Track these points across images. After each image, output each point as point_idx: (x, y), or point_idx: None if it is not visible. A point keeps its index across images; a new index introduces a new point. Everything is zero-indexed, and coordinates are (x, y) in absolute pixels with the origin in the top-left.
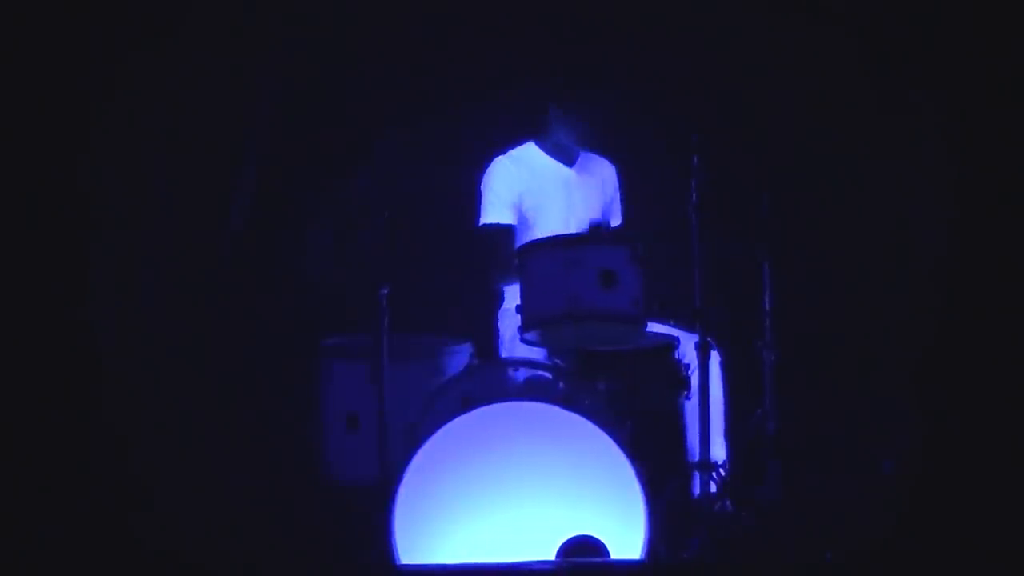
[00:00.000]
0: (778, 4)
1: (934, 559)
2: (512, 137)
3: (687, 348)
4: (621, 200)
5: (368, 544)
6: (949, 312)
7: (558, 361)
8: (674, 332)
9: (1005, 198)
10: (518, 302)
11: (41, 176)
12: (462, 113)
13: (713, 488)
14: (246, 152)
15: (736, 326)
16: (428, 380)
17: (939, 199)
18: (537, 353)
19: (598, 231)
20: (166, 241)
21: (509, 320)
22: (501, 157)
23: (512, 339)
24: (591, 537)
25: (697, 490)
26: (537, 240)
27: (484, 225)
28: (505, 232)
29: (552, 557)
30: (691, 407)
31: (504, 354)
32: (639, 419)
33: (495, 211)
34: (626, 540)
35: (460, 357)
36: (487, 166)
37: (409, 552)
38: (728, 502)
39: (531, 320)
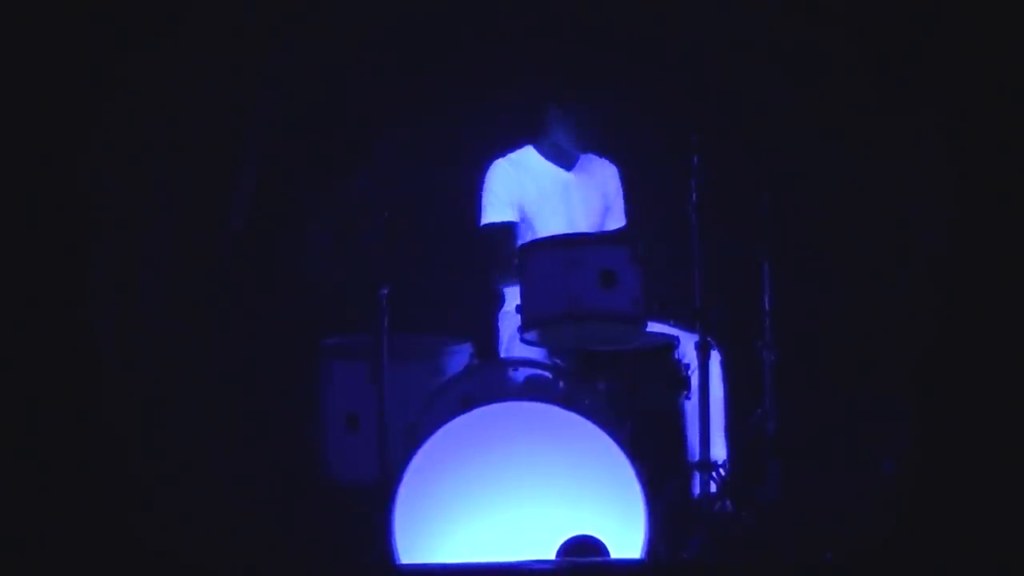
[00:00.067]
0: (778, 4)
1: (934, 559)
2: (512, 139)
3: (687, 348)
4: (623, 201)
5: (368, 544)
6: (949, 312)
7: (558, 361)
8: (674, 332)
9: (1005, 198)
10: (518, 302)
11: (41, 176)
12: (462, 113)
13: (713, 488)
14: (246, 152)
15: (736, 326)
16: (428, 380)
17: (939, 199)
18: (537, 353)
19: None
20: (166, 241)
21: (509, 321)
22: (500, 160)
23: (512, 339)
24: (591, 537)
25: (697, 490)
26: (537, 240)
27: (485, 225)
28: (506, 230)
29: (552, 557)
30: (691, 407)
31: (504, 354)
32: (639, 419)
33: (495, 211)
34: (626, 540)
35: (460, 357)
36: (487, 167)
37: (409, 552)
38: (728, 502)
39: (531, 320)
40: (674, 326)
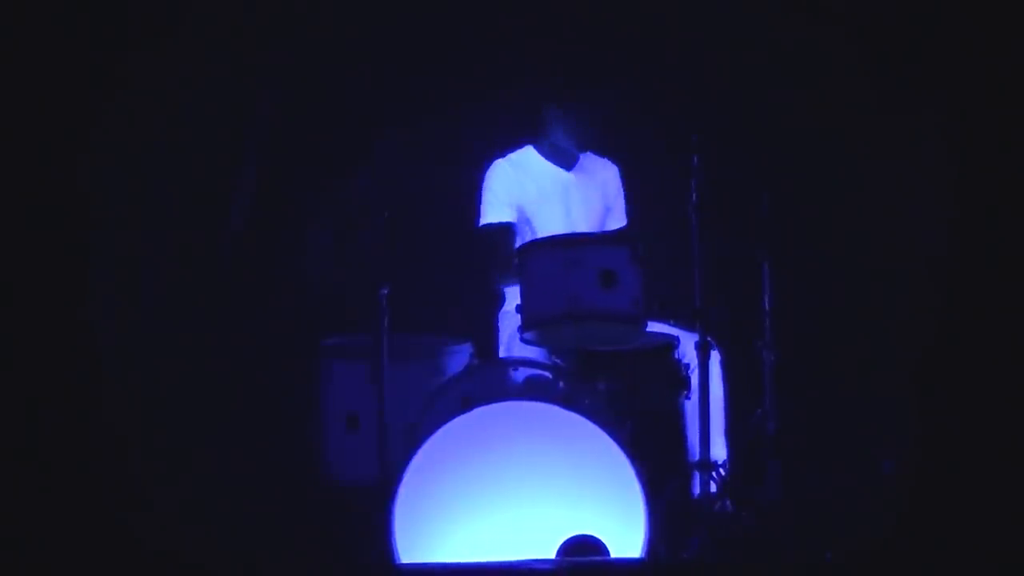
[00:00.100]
0: (778, 4)
1: (934, 559)
2: (512, 138)
3: (687, 348)
4: (625, 200)
5: (368, 544)
6: (949, 312)
7: (558, 361)
8: (674, 332)
9: (1005, 198)
10: (518, 302)
11: (41, 176)
12: (462, 113)
13: (713, 488)
14: (246, 152)
15: (736, 326)
16: (428, 380)
17: (939, 199)
18: (537, 353)
19: None
20: (166, 241)
21: (509, 321)
22: (500, 160)
23: (512, 339)
24: (591, 537)
25: (697, 490)
26: (537, 240)
27: (484, 225)
28: (505, 230)
29: (552, 557)
30: (691, 407)
31: (504, 354)
32: (639, 419)
33: (494, 213)
34: (626, 540)
35: (460, 357)
36: (487, 167)
37: (409, 552)
38: (728, 502)
39: (531, 320)
40: (674, 326)
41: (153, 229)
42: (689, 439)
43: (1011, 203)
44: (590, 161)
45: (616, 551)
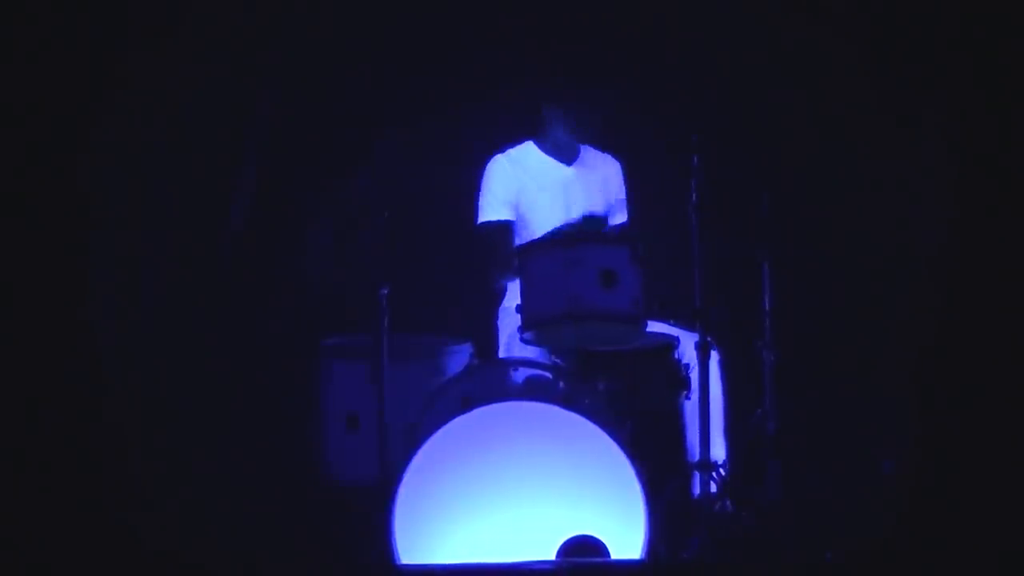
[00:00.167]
0: (778, 4)
1: (934, 559)
2: (511, 137)
3: (687, 348)
4: (627, 197)
5: (368, 544)
6: (949, 312)
7: (558, 361)
8: (674, 332)
9: (1005, 198)
10: (518, 301)
11: (41, 176)
12: (462, 113)
13: (713, 488)
14: (246, 152)
15: (736, 326)
16: (428, 380)
17: (939, 199)
18: (537, 353)
19: (593, 223)
20: (166, 241)
21: (509, 318)
22: (499, 156)
23: (512, 339)
24: (591, 537)
25: (697, 490)
26: (537, 240)
27: (483, 223)
28: (504, 228)
29: (552, 557)
30: (691, 407)
31: (504, 354)
32: (639, 419)
33: (493, 209)
34: (626, 540)
35: (460, 357)
36: (486, 166)
37: (409, 552)
38: (728, 502)
39: (531, 320)
40: (674, 326)
41: (153, 229)
42: (688, 439)
43: (1011, 203)
44: (591, 156)
45: (616, 551)
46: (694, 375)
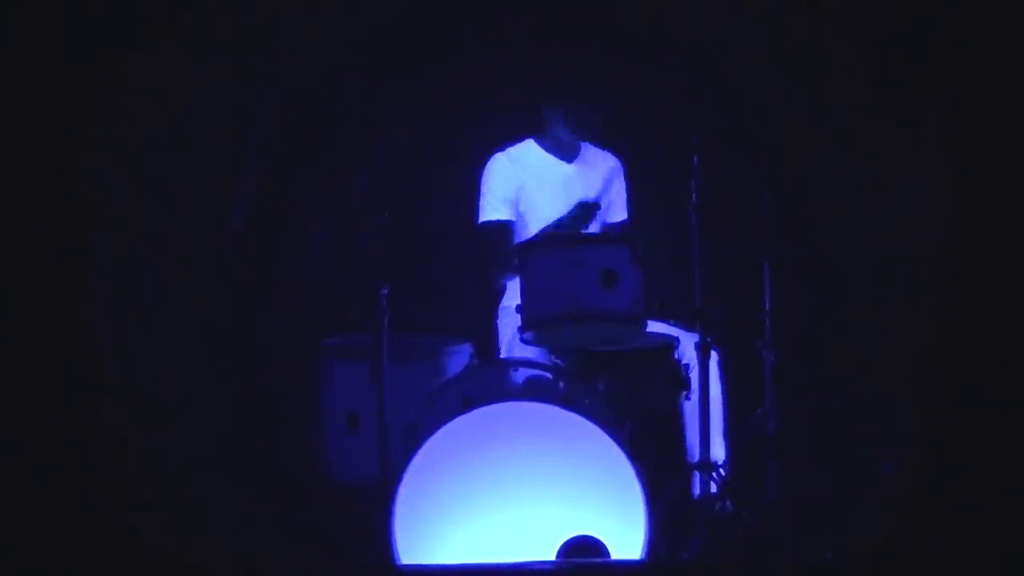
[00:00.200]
0: (778, 4)
1: (934, 559)
2: (511, 136)
3: (687, 348)
4: (627, 194)
5: (368, 544)
6: (949, 312)
7: (558, 361)
8: (674, 332)
9: (1005, 198)
10: (518, 301)
11: (41, 176)
12: (462, 113)
13: (713, 488)
14: (246, 152)
15: (736, 326)
16: (428, 380)
17: (939, 199)
18: (537, 353)
19: (587, 210)
20: (166, 241)
21: (508, 318)
22: (499, 155)
23: (512, 339)
24: (591, 537)
25: (697, 490)
26: (537, 240)
27: (482, 223)
28: (503, 228)
29: (552, 557)
30: (690, 407)
31: (504, 354)
32: (639, 419)
33: (493, 208)
34: (626, 540)
35: (460, 357)
36: (486, 164)
37: (409, 552)
38: (728, 502)
39: (531, 320)
40: (674, 326)
41: (153, 229)
42: (688, 439)
43: (1011, 203)
44: (591, 153)
45: (616, 551)
46: (694, 375)
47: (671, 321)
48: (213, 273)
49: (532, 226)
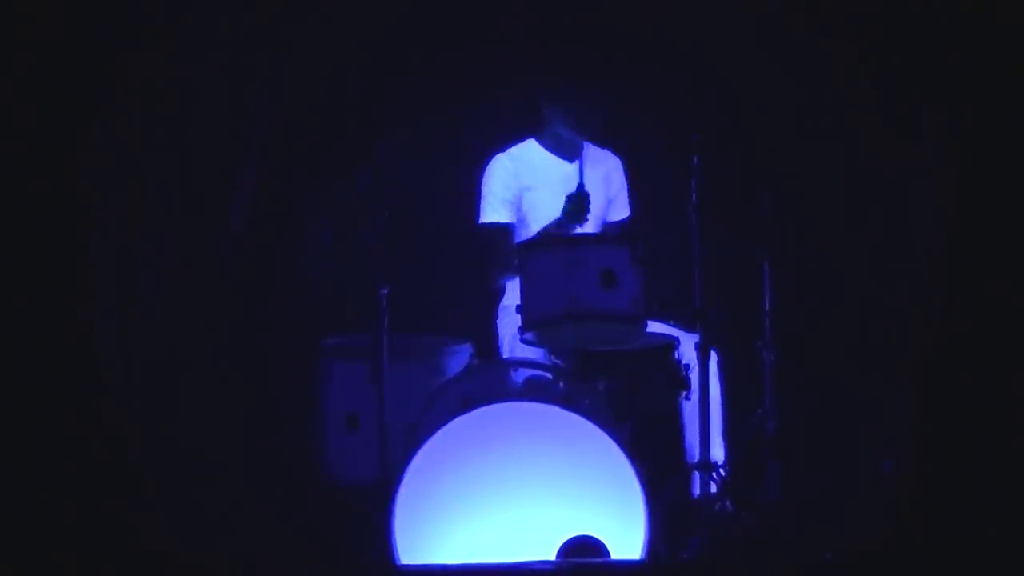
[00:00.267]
0: (778, 4)
1: (934, 559)
2: (512, 135)
3: (687, 348)
4: (628, 192)
5: (368, 544)
6: (949, 312)
7: (558, 361)
8: (674, 332)
9: (1006, 198)
10: (518, 301)
11: (41, 175)
12: (462, 113)
13: (713, 488)
14: (246, 152)
15: (736, 326)
16: (428, 380)
17: (940, 199)
18: (537, 353)
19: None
20: (166, 241)
21: (508, 318)
22: (500, 155)
23: (512, 339)
24: (591, 537)
25: (697, 490)
26: (537, 240)
27: (482, 224)
28: (503, 231)
29: (552, 557)
30: (690, 407)
31: (505, 354)
32: (639, 419)
33: (493, 209)
34: (626, 540)
35: (460, 357)
36: (487, 163)
37: (409, 552)
38: (728, 502)
39: (531, 320)
40: (674, 326)
41: (153, 229)
42: (688, 439)
43: (1012, 203)
44: (592, 152)
45: (616, 551)
46: (694, 375)
47: (671, 321)
48: (213, 273)
49: (534, 226)
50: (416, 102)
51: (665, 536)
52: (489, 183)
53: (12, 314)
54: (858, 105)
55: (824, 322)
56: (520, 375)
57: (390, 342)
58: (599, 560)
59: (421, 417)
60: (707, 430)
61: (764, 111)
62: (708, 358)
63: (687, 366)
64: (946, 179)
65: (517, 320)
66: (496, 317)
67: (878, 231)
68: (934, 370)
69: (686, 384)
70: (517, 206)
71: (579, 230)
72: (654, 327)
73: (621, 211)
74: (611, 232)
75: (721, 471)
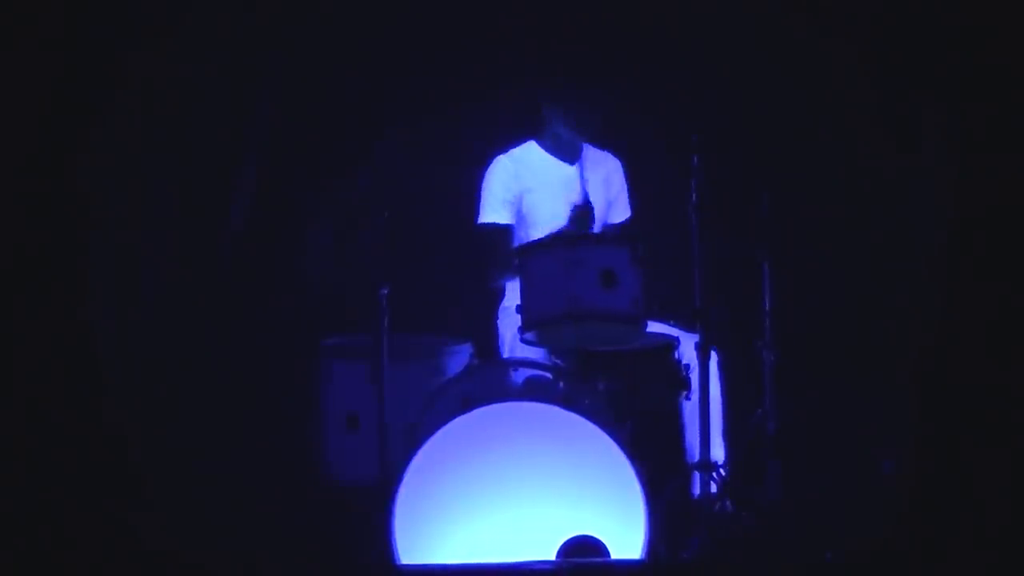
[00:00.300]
0: (778, 4)
1: (934, 559)
2: (513, 137)
3: (687, 348)
4: (629, 194)
5: (368, 544)
6: (949, 312)
7: (558, 361)
8: (674, 332)
9: (1006, 198)
10: (518, 301)
11: (41, 175)
12: (462, 113)
13: (713, 488)
14: (246, 152)
15: (736, 326)
16: (428, 380)
17: (939, 199)
18: (537, 353)
19: (583, 212)
20: (166, 241)
21: (509, 319)
22: (501, 156)
23: (512, 339)
24: (591, 537)
25: (697, 490)
26: (537, 240)
27: (482, 224)
28: (502, 232)
29: (552, 557)
30: (690, 407)
31: (504, 354)
32: (639, 419)
33: (492, 210)
34: (626, 540)
35: (460, 357)
36: (487, 165)
37: (409, 552)
38: (728, 502)
39: (531, 320)
40: (674, 326)
41: (153, 229)
42: (688, 439)
43: (1012, 203)
44: (592, 154)
45: (616, 551)
46: (694, 375)
47: (671, 321)
48: (213, 273)
49: (534, 228)
50: (416, 102)
51: (665, 536)
52: (489, 184)
53: (12, 314)
54: (858, 105)
55: (824, 322)
56: (520, 375)
57: (390, 342)
58: (599, 560)
59: (421, 417)
60: (707, 430)
61: (764, 111)
62: (708, 358)
63: (687, 366)
64: (946, 179)
65: (517, 320)
66: (496, 318)
67: (878, 231)
68: (934, 370)
69: (686, 384)
70: (517, 208)
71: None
72: (654, 327)
73: (622, 213)
74: (611, 232)
75: (721, 471)
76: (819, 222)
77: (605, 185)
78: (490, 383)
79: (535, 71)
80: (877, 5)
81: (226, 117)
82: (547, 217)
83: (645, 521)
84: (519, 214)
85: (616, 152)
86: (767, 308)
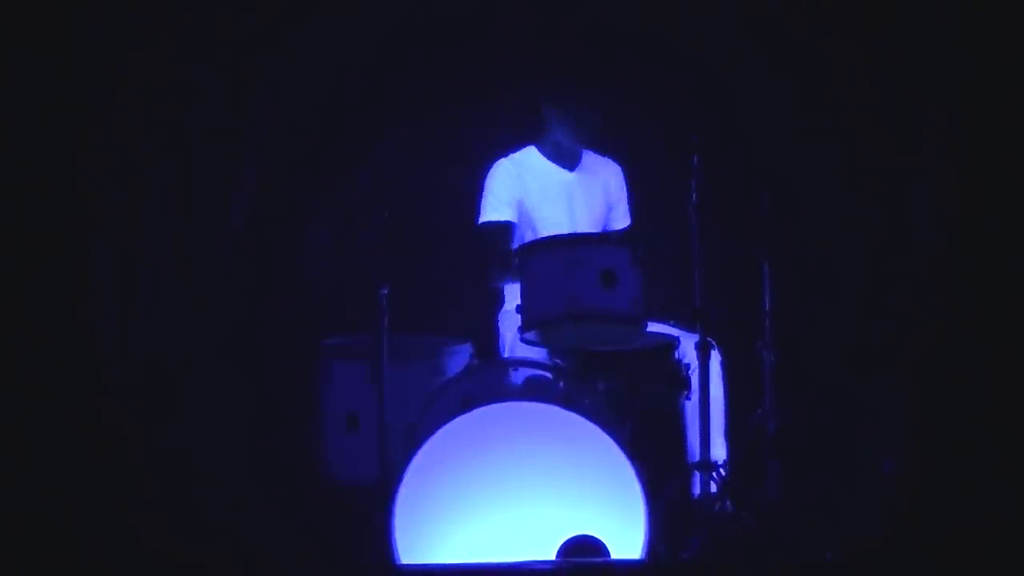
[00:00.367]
0: (778, 4)
1: (934, 559)
2: (513, 138)
3: (687, 348)
4: (629, 200)
5: (368, 544)
6: (949, 312)
7: (558, 361)
8: (674, 332)
9: (1006, 198)
10: (518, 302)
11: (41, 175)
12: (462, 113)
13: (713, 488)
14: (246, 152)
15: (736, 326)
16: (428, 380)
17: (940, 199)
18: (537, 353)
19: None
20: (166, 241)
21: (509, 321)
22: (502, 160)
23: (513, 339)
24: (591, 537)
25: (697, 490)
26: (538, 240)
27: (483, 224)
28: (504, 228)
29: (552, 557)
30: (690, 407)
31: (505, 354)
32: (639, 419)
33: (493, 209)
34: (626, 540)
35: (460, 357)
36: (488, 167)
37: (409, 552)
38: (728, 502)
39: (531, 320)
40: (674, 326)
41: (153, 229)
42: (688, 439)
43: (1012, 203)
44: (592, 160)
45: (616, 551)
46: (694, 375)
47: (671, 321)
48: (213, 273)
49: (532, 234)
50: (416, 102)
51: (665, 536)
52: (491, 185)
53: (12, 314)
54: (858, 105)
55: (824, 322)
56: (520, 375)
57: (390, 342)
58: (599, 560)
59: (421, 417)
60: (707, 430)
61: (764, 111)
62: (708, 358)
63: (687, 366)
64: (946, 179)
65: (517, 320)
66: (497, 321)
67: (878, 231)
68: (934, 370)
69: (686, 384)
70: (517, 211)
71: (579, 231)
72: (654, 327)
73: (622, 219)
74: (611, 232)
75: (721, 471)
76: (819, 222)
77: (605, 192)
78: (490, 383)
79: (535, 71)
80: (877, 5)
81: (226, 117)
82: (547, 223)
83: (645, 521)
84: (519, 219)
85: (616, 157)
86: (767, 308)
